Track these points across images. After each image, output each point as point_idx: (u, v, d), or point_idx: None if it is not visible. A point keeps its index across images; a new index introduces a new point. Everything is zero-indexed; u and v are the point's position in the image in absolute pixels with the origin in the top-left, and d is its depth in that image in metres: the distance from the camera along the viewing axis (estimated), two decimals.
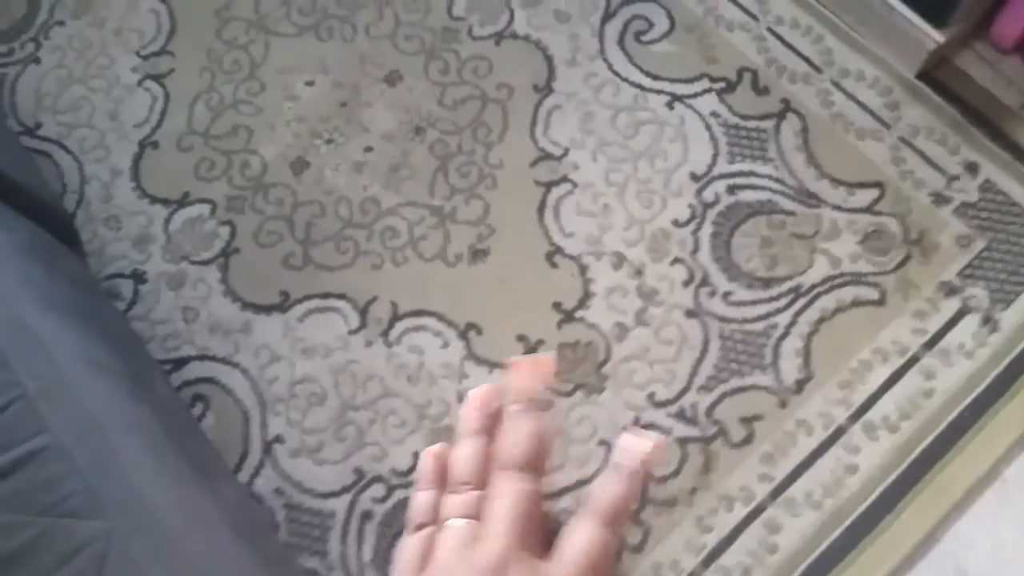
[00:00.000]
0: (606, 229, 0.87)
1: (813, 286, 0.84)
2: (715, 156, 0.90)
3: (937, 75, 0.89)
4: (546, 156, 0.91)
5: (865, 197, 0.86)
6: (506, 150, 0.92)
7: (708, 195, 0.88)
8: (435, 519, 0.63)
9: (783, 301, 0.83)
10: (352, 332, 0.86)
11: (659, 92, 0.93)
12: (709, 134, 0.91)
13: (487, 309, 0.85)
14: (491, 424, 0.65)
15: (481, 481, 0.63)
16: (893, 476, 0.76)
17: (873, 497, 0.76)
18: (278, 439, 0.82)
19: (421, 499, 0.66)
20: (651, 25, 0.96)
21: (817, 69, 0.92)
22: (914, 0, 0.84)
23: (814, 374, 0.81)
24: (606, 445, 0.79)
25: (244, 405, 0.84)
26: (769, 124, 0.90)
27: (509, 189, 0.90)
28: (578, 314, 0.84)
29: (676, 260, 0.85)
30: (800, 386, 0.80)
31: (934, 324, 0.81)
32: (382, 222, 0.89)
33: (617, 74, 0.94)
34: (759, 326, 0.83)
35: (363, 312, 0.86)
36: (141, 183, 0.94)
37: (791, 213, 0.86)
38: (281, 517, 0.79)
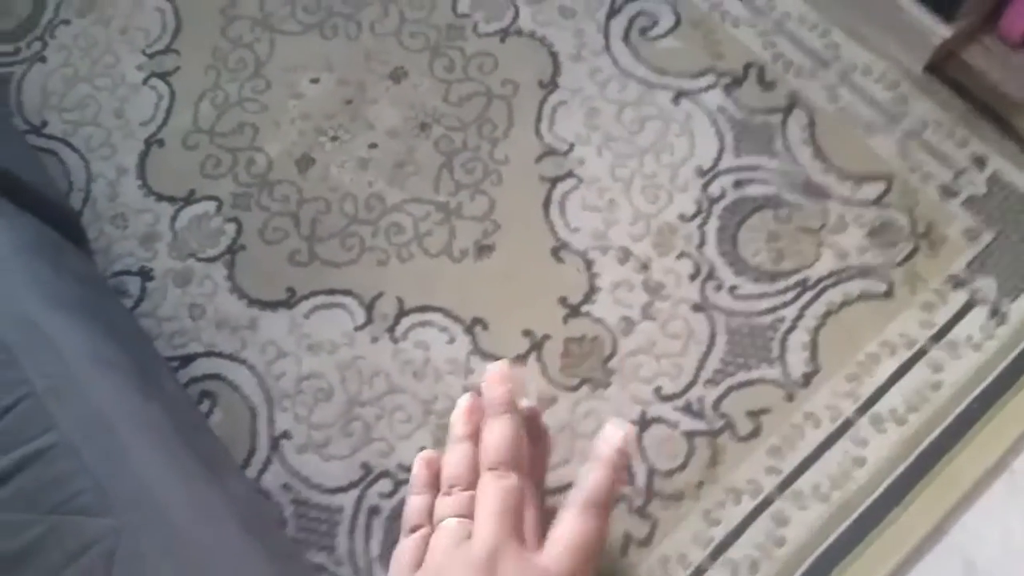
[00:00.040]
0: (612, 224, 0.87)
1: (820, 279, 0.83)
2: (721, 151, 0.89)
3: (945, 69, 0.89)
4: (551, 152, 0.91)
5: (872, 190, 0.86)
6: (511, 146, 0.91)
7: (714, 189, 0.88)
8: (429, 521, 0.64)
9: (790, 295, 0.83)
10: (358, 328, 0.86)
11: (665, 87, 0.92)
12: (715, 129, 0.90)
13: (493, 304, 0.85)
14: (477, 430, 0.67)
15: (471, 482, 0.64)
16: (901, 468, 0.76)
17: (881, 489, 0.76)
18: (285, 435, 0.82)
19: (415, 503, 0.67)
20: (656, 20, 0.95)
21: (824, 63, 0.91)
22: None
23: (821, 367, 0.80)
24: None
25: (251, 401, 0.84)
26: (776, 118, 0.90)
27: (514, 185, 0.90)
28: (584, 309, 0.84)
29: (682, 254, 0.85)
30: (807, 379, 0.80)
31: (942, 317, 0.81)
32: (387, 218, 0.89)
33: (622, 70, 0.94)
34: (766, 320, 0.82)
35: (369, 308, 0.86)
36: (147, 181, 0.94)
37: (798, 207, 0.86)
38: (289, 512, 0.79)
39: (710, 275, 0.84)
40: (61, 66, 1.00)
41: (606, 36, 0.95)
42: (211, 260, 0.89)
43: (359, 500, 0.79)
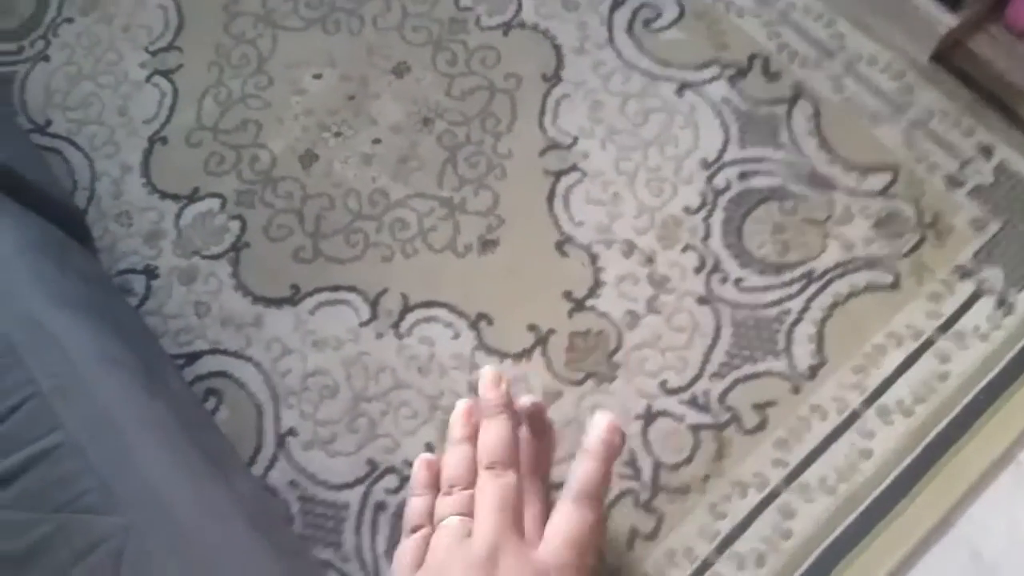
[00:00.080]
0: (616, 217, 0.87)
1: (826, 271, 0.83)
2: (726, 142, 0.89)
3: (951, 58, 0.88)
4: (555, 145, 0.91)
5: (878, 181, 0.86)
6: (515, 140, 0.91)
7: (719, 181, 0.87)
8: (430, 522, 0.65)
9: (796, 287, 0.83)
10: (363, 324, 0.85)
11: (669, 79, 0.92)
12: (720, 121, 0.90)
13: (497, 299, 0.85)
14: (475, 432, 0.67)
15: (470, 482, 0.65)
16: (908, 460, 0.76)
17: (888, 482, 0.75)
18: (291, 432, 0.82)
19: (415, 504, 0.68)
20: (660, 12, 0.95)
21: (829, 54, 0.91)
22: None
23: (827, 359, 0.80)
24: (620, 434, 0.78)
25: (257, 398, 0.84)
26: (781, 109, 0.90)
27: (518, 179, 0.90)
28: (589, 303, 0.84)
29: (687, 247, 0.85)
30: (814, 371, 0.80)
31: (948, 307, 0.81)
32: (391, 214, 0.89)
33: (626, 62, 0.93)
34: (771, 312, 0.82)
35: (374, 304, 0.86)
36: (151, 179, 0.94)
37: (803, 198, 0.86)
38: (295, 509, 0.79)
39: (715, 268, 0.84)
40: (64, 64, 1.00)
41: (609, 28, 0.95)
42: (215, 257, 0.89)
43: (365, 496, 0.79)
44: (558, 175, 0.89)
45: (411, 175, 0.91)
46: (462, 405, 0.69)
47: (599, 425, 0.66)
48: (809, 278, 0.83)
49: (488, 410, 0.67)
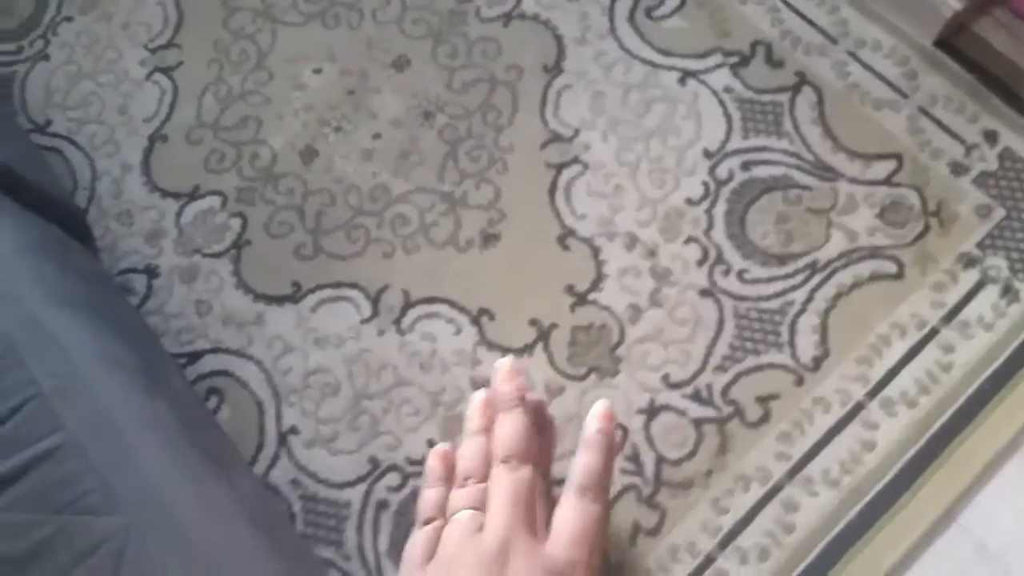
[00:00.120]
0: (618, 210, 0.86)
1: (830, 261, 0.82)
2: (729, 132, 0.88)
3: (955, 43, 0.87)
4: (556, 138, 0.90)
5: (882, 169, 0.85)
6: (516, 133, 0.91)
7: (722, 172, 0.87)
8: (442, 514, 0.65)
9: (799, 278, 0.82)
10: (364, 321, 0.85)
11: (671, 68, 0.91)
12: (723, 110, 0.89)
13: (499, 294, 0.85)
14: (492, 424, 0.67)
15: (484, 475, 0.65)
16: (912, 451, 0.75)
17: (892, 474, 0.75)
18: (293, 430, 0.82)
19: (429, 496, 0.68)
20: (662, 0, 0.94)
21: (832, 40, 0.90)
22: None
23: (831, 351, 0.79)
24: (621, 429, 0.78)
25: (259, 397, 0.84)
26: (784, 97, 0.89)
27: (520, 172, 0.89)
28: (591, 296, 0.84)
29: (690, 239, 0.84)
30: (817, 363, 0.79)
31: (953, 296, 0.80)
32: (392, 209, 0.89)
33: (628, 52, 0.93)
34: (775, 304, 0.82)
35: (375, 301, 0.86)
36: (152, 177, 0.94)
37: (807, 188, 0.85)
38: (297, 508, 0.79)
39: (718, 259, 0.83)
40: (64, 63, 1.00)
41: (611, 18, 0.94)
42: (217, 256, 0.89)
43: (367, 494, 0.79)
44: (560, 168, 0.89)
45: (412, 170, 0.90)
46: (479, 396, 0.69)
47: (594, 414, 0.66)
48: (813, 269, 0.82)
49: (504, 403, 0.66)
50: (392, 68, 0.95)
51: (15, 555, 0.58)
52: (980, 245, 0.81)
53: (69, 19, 1.02)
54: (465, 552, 0.59)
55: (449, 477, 0.67)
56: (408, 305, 0.85)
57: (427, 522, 0.65)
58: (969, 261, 0.81)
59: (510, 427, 0.65)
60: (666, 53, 0.92)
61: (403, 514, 0.78)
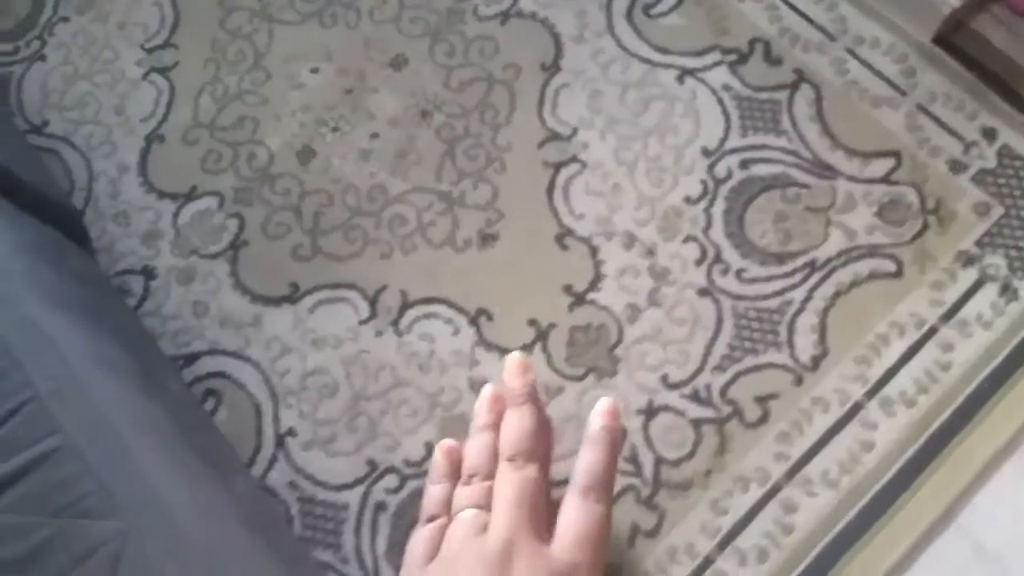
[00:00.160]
0: (616, 209, 0.86)
1: (828, 260, 0.82)
2: (727, 130, 0.88)
3: (953, 39, 0.87)
4: (554, 136, 0.90)
5: (881, 167, 0.85)
6: (514, 132, 0.90)
7: (720, 170, 0.86)
8: (447, 511, 0.64)
9: (798, 277, 0.82)
10: (362, 322, 0.85)
11: (668, 66, 0.91)
12: (721, 108, 0.89)
13: (497, 294, 0.84)
14: (500, 419, 0.66)
15: (490, 472, 0.64)
16: (911, 452, 0.75)
17: (890, 474, 0.75)
18: (291, 432, 0.82)
19: (434, 492, 0.67)
20: None
21: (831, 37, 0.90)
22: None
23: (830, 350, 0.79)
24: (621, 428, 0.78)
25: (256, 399, 0.83)
26: (782, 95, 0.89)
27: (517, 172, 0.89)
28: (589, 296, 0.83)
29: (688, 238, 0.84)
30: (816, 363, 0.79)
31: (952, 295, 0.80)
32: (390, 209, 0.89)
33: (626, 50, 0.93)
34: (773, 303, 0.81)
35: (373, 302, 0.86)
36: (148, 178, 0.93)
37: (805, 186, 0.85)
38: (295, 511, 0.79)
39: (716, 259, 0.83)
40: (60, 64, 1.00)
41: (608, 15, 0.94)
42: (214, 257, 0.89)
43: (365, 496, 0.79)
44: (558, 167, 0.88)
45: (410, 169, 0.90)
46: (488, 390, 0.68)
47: (598, 411, 0.66)
48: (812, 267, 0.82)
49: (513, 399, 0.66)
50: (390, 67, 0.95)
51: (15, 558, 0.58)
52: (979, 243, 0.81)
53: (65, 19, 1.02)
54: (468, 552, 0.59)
55: (454, 473, 0.66)
56: (406, 306, 0.85)
57: (431, 519, 0.64)
58: (968, 259, 0.80)
59: (518, 424, 0.64)
60: (664, 51, 0.92)
61: (401, 516, 0.78)
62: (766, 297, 0.81)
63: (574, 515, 0.61)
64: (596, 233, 0.85)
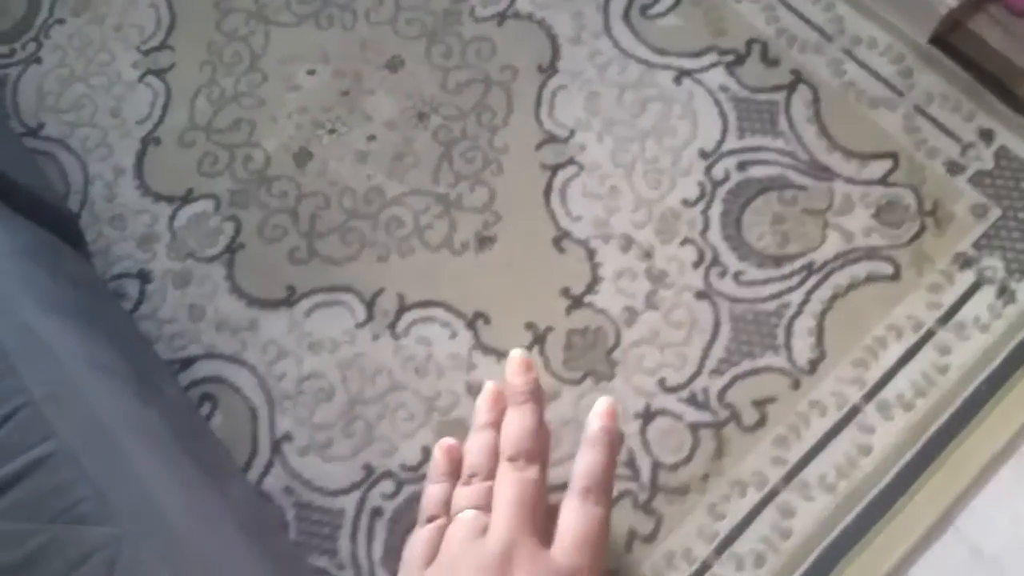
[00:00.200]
0: (613, 211, 0.86)
1: (826, 262, 0.82)
2: (724, 132, 0.88)
3: (950, 40, 0.87)
4: (552, 138, 0.89)
5: (878, 168, 0.84)
6: (511, 134, 0.90)
7: (718, 172, 0.86)
8: (446, 511, 0.64)
9: (795, 279, 0.82)
10: (359, 325, 0.85)
11: (666, 68, 0.91)
12: (718, 109, 0.89)
13: (495, 297, 0.84)
14: (501, 418, 0.66)
15: (491, 472, 0.63)
16: (908, 455, 0.75)
17: (888, 478, 0.74)
18: (287, 437, 0.82)
19: (433, 492, 0.66)
20: None
21: (828, 38, 0.90)
22: None
23: (827, 353, 0.79)
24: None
25: (252, 403, 0.83)
26: (780, 96, 0.88)
27: (515, 174, 0.89)
28: (587, 299, 0.83)
29: (685, 240, 0.84)
30: (813, 366, 0.79)
31: (949, 297, 0.79)
32: (387, 212, 0.89)
33: (623, 51, 0.92)
34: (771, 306, 0.81)
35: (370, 305, 0.85)
36: (144, 181, 0.93)
37: (803, 188, 0.84)
38: (291, 516, 0.79)
39: (714, 261, 0.83)
40: (56, 66, 0.99)
41: (606, 16, 0.94)
42: (210, 260, 0.89)
43: (361, 502, 0.79)
44: (555, 169, 0.88)
45: (406, 172, 0.90)
46: (489, 387, 0.68)
47: (596, 411, 0.65)
48: (809, 270, 0.82)
49: (514, 397, 0.65)
50: (386, 69, 0.94)
51: (9, 564, 0.58)
52: (976, 245, 0.81)
53: (61, 21, 1.02)
54: (467, 555, 0.59)
55: (454, 472, 0.66)
56: (403, 309, 0.85)
57: (430, 520, 0.64)
58: (965, 262, 0.80)
59: (519, 424, 0.64)
60: (661, 52, 0.92)
61: (398, 521, 0.77)
62: (763, 300, 0.81)
63: (573, 517, 0.60)
64: (593, 235, 0.85)
